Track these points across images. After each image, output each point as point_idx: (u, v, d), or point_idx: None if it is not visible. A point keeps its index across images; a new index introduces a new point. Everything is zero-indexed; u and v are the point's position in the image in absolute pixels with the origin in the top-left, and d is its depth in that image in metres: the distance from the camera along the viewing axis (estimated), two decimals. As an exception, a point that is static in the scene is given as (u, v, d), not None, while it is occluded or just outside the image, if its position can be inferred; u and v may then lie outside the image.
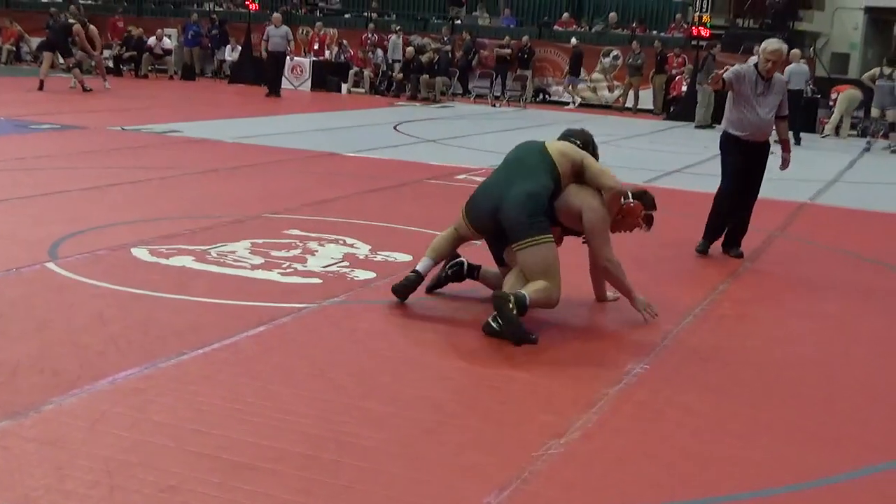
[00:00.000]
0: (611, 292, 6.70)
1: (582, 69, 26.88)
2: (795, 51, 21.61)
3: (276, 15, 24.42)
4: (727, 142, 8.51)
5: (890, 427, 4.88)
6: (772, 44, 8.29)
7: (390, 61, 27.43)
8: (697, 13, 24.30)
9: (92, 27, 22.74)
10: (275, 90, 23.70)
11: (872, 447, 4.59)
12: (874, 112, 20.36)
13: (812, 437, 4.68)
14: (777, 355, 5.99)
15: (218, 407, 4.49)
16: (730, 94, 8.37)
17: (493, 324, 5.74)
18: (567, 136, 6.56)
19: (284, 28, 23.87)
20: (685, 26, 27.00)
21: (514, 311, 5.64)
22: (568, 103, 26.69)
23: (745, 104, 8.27)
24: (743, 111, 8.30)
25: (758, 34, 26.47)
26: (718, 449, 4.45)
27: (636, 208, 6.31)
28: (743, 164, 8.42)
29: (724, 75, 8.19)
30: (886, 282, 8.16)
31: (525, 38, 26.86)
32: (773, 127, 8.54)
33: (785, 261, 8.48)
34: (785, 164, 8.78)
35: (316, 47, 28.28)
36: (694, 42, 24.62)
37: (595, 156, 6.45)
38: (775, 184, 13.96)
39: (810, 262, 8.68)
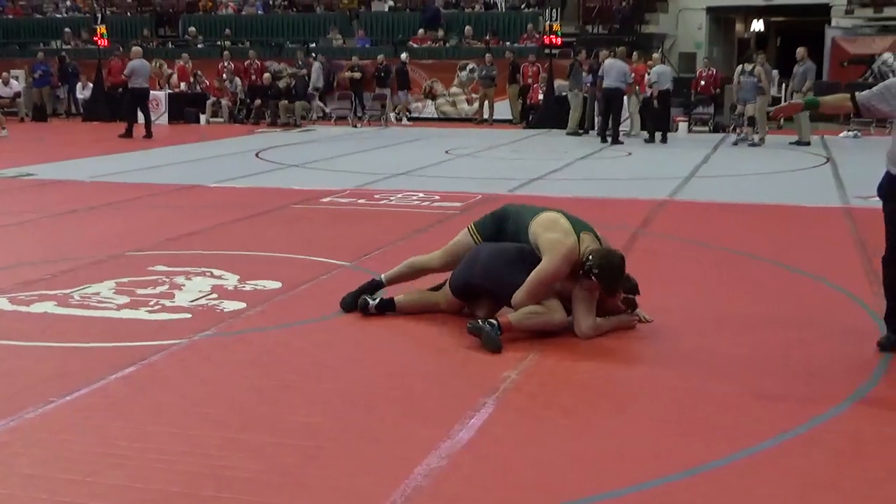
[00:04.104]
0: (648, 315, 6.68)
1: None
2: (656, 55, 22.57)
3: (135, 48, 23.31)
4: (887, 186, 6.05)
5: (758, 410, 5.03)
6: None
7: (312, 89, 26.94)
8: (548, 22, 24.74)
9: None
10: (148, 130, 21.94)
11: (745, 431, 4.72)
12: (738, 108, 21.07)
13: (687, 427, 4.79)
14: (646, 349, 6.13)
15: (90, 453, 4.38)
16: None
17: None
18: (591, 255, 6.20)
19: (132, 62, 22.82)
20: (537, 36, 27.45)
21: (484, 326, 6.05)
22: (427, 118, 26.79)
23: None
24: None
25: (607, 39, 27.17)
26: (598, 448, 4.53)
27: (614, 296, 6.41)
28: None
29: (860, 98, 6.03)
30: (743, 269, 8.42)
31: (380, 57, 26.92)
32: None
33: (648, 257, 8.67)
34: None
35: (192, 80, 27.78)
36: (546, 50, 25.06)
37: (609, 286, 6.24)
38: (637, 183, 14.37)
39: (672, 257, 8.91)
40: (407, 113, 26.99)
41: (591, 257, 6.16)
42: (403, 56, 26.82)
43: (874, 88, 6.10)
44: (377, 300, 6.76)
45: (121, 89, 25.65)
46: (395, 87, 26.77)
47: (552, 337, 6.17)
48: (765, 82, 20.21)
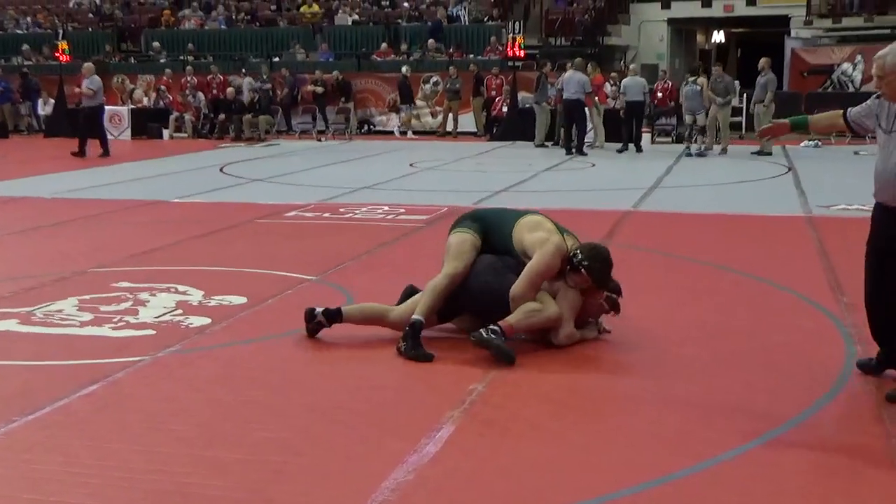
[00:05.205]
0: (608, 325, 6.71)
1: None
2: (633, 66, 22.87)
3: (86, 65, 23.03)
4: (877, 216, 5.68)
5: (723, 419, 5.05)
6: (882, 51, 5.40)
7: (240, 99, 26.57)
8: (511, 35, 24.82)
9: None
10: (104, 148, 21.30)
11: (711, 440, 4.75)
12: (687, 118, 21.29)
13: (653, 437, 4.81)
14: (611, 360, 6.15)
15: (54, 473, 4.33)
16: None
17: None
18: (579, 249, 6.42)
19: (95, 78, 22.51)
20: (500, 48, 27.55)
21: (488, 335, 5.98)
22: (391, 132, 26.80)
23: (878, 148, 5.62)
24: (878, 158, 5.59)
25: (570, 51, 27.33)
26: (565, 459, 4.54)
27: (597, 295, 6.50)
28: (880, 241, 5.61)
29: (851, 115, 5.77)
30: (708, 279, 8.48)
31: (335, 73, 26.90)
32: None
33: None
34: None
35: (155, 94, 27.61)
36: (510, 63, 25.14)
37: (599, 278, 6.41)
38: (601, 194, 14.44)
39: (636, 267, 8.92)
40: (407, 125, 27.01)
41: (578, 252, 6.34)
42: (404, 69, 26.75)
43: (865, 104, 5.73)
44: (324, 308, 6.67)
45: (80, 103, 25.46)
46: (358, 100, 26.76)
47: (518, 349, 6.17)
48: (706, 93, 20.46)
